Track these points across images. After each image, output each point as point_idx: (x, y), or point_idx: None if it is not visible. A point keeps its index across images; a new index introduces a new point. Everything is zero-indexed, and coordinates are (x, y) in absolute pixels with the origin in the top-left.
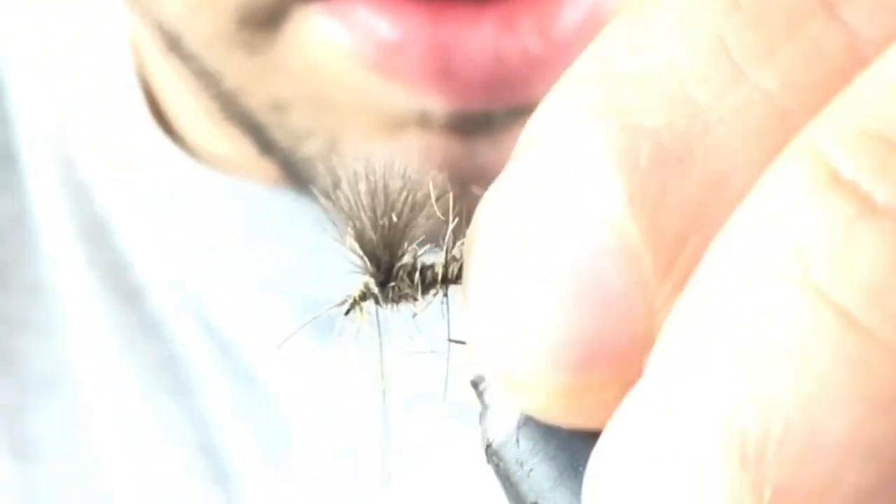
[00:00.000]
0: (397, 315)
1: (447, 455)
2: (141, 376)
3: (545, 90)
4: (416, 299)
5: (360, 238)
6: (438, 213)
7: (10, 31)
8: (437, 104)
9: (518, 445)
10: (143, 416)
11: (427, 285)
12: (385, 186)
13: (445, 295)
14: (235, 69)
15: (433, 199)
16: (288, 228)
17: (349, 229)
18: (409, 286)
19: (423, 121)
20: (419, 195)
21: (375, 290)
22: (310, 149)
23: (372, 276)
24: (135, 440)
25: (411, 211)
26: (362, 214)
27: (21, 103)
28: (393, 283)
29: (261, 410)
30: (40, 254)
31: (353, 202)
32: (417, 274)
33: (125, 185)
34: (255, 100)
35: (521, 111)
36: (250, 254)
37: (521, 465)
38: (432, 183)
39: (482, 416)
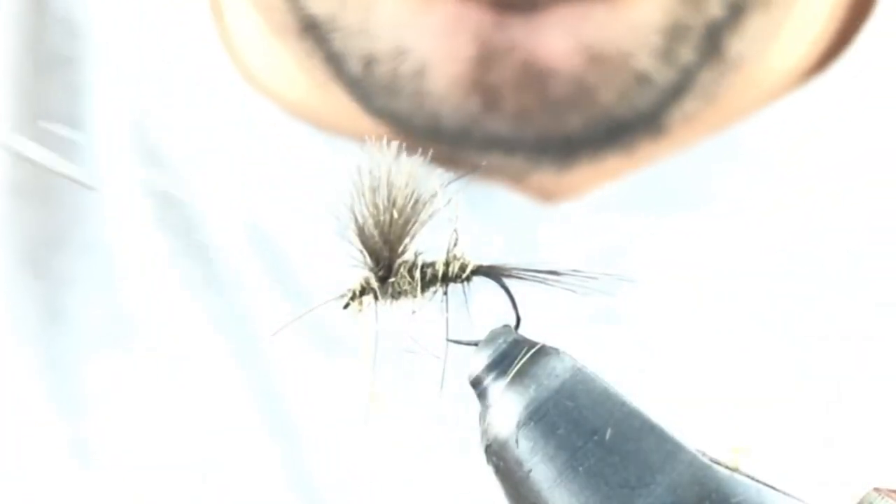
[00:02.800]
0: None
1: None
2: (209, 329)
3: None
4: (415, 296)
5: (362, 233)
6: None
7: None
8: None
9: (518, 445)
10: (205, 375)
11: (427, 283)
12: (388, 183)
13: (445, 293)
14: None
15: (436, 197)
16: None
17: (351, 224)
18: (409, 283)
19: None
20: (422, 193)
21: (375, 285)
22: (346, 21)
23: (372, 271)
24: (194, 397)
25: (413, 208)
26: (364, 210)
27: (94, 67)
28: (393, 280)
29: (334, 368)
30: (101, 215)
31: (355, 197)
32: (418, 271)
33: (200, 138)
34: None
35: None
36: (325, 204)
37: (522, 464)
38: (436, 182)
39: (482, 416)
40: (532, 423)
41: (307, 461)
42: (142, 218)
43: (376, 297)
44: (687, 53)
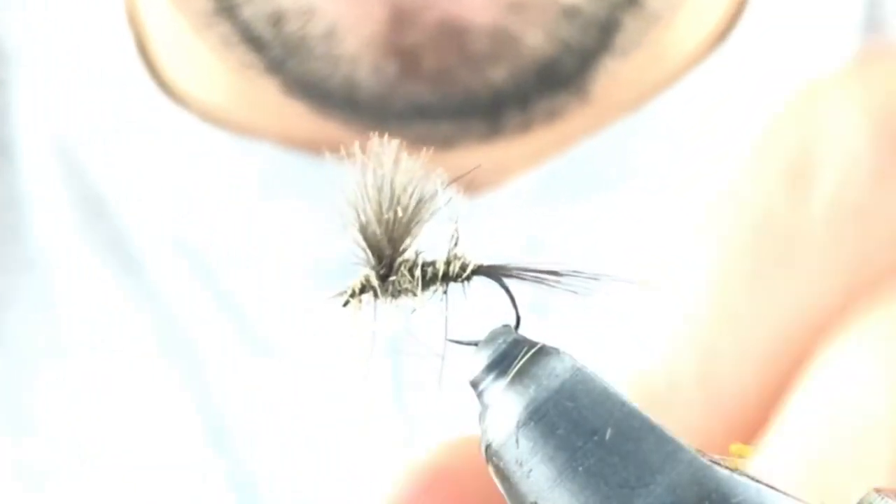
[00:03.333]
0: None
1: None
2: (144, 345)
3: None
4: (415, 295)
5: (364, 230)
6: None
7: (14, 23)
8: None
9: (518, 445)
10: (146, 386)
11: (427, 282)
12: (392, 181)
13: (445, 293)
14: None
15: (439, 196)
16: (295, 189)
17: (354, 221)
18: (410, 282)
19: None
20: (426, 191)
21: (375, 283)
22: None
23: (373, 268)
24: (137, 410)
25: (416, 207)
26: (368, 207)
27: (19, 89)
28: (393, 278)
29: (269, 380)
30: (32, 234)
31: (359, 194)
32: (419, 270)
33: (124, 152)
34: None
35: None
36: (258, 216)
37: (521, 465)
38: (439, 181)
39: (482, 416)
40: (532, 424)
41: (248, 469)
42: (72, 235)
43: (376, 296)
44: None
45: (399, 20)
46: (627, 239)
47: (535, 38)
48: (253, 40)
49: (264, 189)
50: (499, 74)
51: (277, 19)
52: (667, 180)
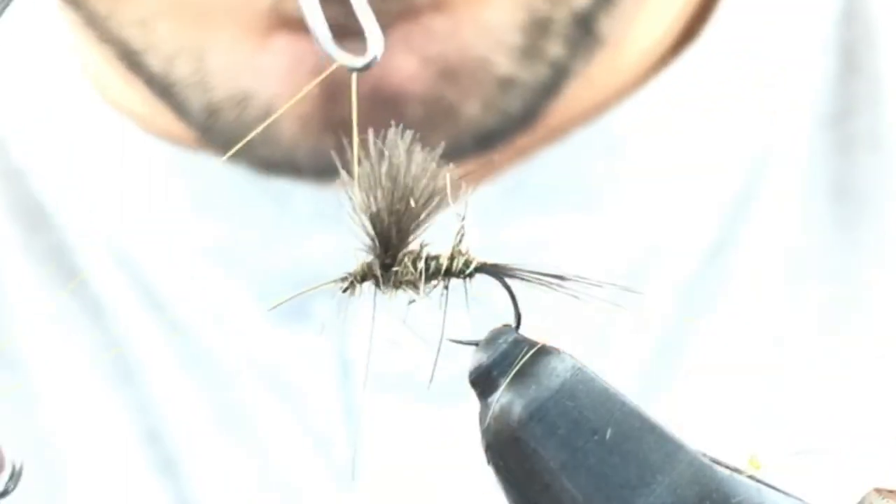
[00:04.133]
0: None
1: (414, 439)
2: (84, 362)
3: None
4: (416, 287)
5: (374, 218)
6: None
7: None
8: None
9: (519, 445)
10: (87, 403)
11: (429, 275)
12: (406, 172)
13: (446, 287)
14: None
15: (448, 191)
16: (235, 201)
17: (363, 208)
18: (412, 273)
19: (288, 19)
20: (437, 185)
21: (378, 271)
22: (181, 73)
23: (378, 257)
24: (79, 428)
25: (427, 200)
26: (379, 195)
27: None
28: (396, 268)
29: (212, 394)
30: None
31: (372, 182)
32: (422, 262)
33: (65, 165)
34: (124, 19)
35: None
36: (197, 228)
37: (522, 464)
38: (448, 175)
39: (482, 416)
40: (532, 423)
41: (189, 493)
42: (12, 246)
43: (377, 284)
44: (555, 47)
45: (332, 95)
46: (582, 252)
47: (473, 107)
48: (189, 122)
49: (203, 200)
50: (436, 141)
51: (213, 111)
52: (622, 191)
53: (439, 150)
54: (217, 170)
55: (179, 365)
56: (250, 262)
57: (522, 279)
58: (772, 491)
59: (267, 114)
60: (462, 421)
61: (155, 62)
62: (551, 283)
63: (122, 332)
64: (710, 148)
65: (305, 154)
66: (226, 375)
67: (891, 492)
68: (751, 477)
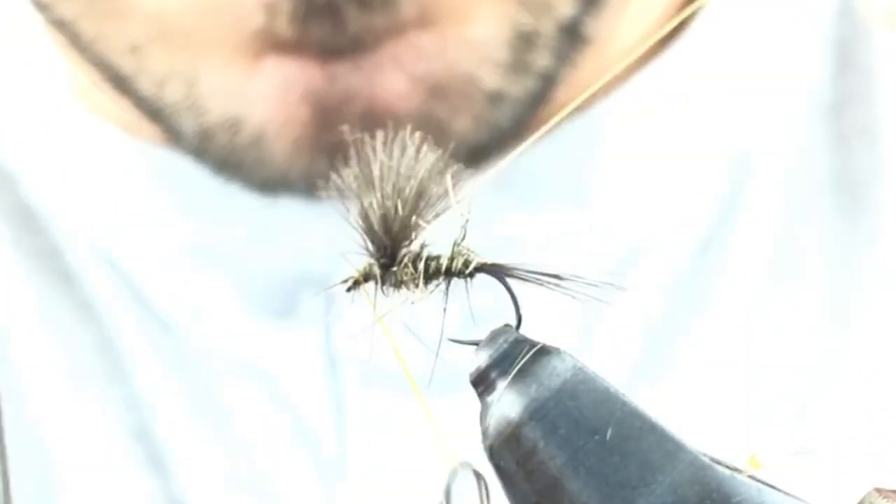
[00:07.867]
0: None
1: (403, 433)
2: (74, 360)
3: None
4: (416, 287)
5: (372, 219)
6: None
7: None
8: None
9: (519, 445)
10: (75, 401)
11: (430, 275)
12: (399, 173)
13: (447, 288)
14: (86, 14)
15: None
16: (220, 201)
17: (359, 210)
18: (412, 273)
19: (277, 42)
20: (436, 186)
21: (377, 272)
22: (172, 98)
23: (376, 258)
24: (67, 425)
25: (427, 201)
26: (373, 197)
27: None
28: (396, 269)
29: (200, 392)
30: None
31: (365, 183)
32: (422, 263)
33: (52, 168)
34: (112, 44)
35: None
36: (183, 227)
37: (523, 464)
38: (449, 175)
39: (483, 415)
40: (533, 423)
41: (177, 489)
42: (4, 247)
43: (377, 284)
44: (542, 59)
45: (323, 117)
46: (570, 248)
47: (464, 123)
48: (180, 145)
49: (189, 200)
50: None
51: (205, 136)
52: (610, 186)
53: (439, 151)
54: (202, 170)
55: (167, 362)
56: (237, 260)
57: (522, 279)
58: (772, 491)
59: (259, 138)
60: (453, 417)
61: (145, 86)
62: (549, 283)
63: (110, 331)
64: (699, 142)
65: (299, 174)
66: (213, 373)
67: (891, 492)
68: (751, 477)
